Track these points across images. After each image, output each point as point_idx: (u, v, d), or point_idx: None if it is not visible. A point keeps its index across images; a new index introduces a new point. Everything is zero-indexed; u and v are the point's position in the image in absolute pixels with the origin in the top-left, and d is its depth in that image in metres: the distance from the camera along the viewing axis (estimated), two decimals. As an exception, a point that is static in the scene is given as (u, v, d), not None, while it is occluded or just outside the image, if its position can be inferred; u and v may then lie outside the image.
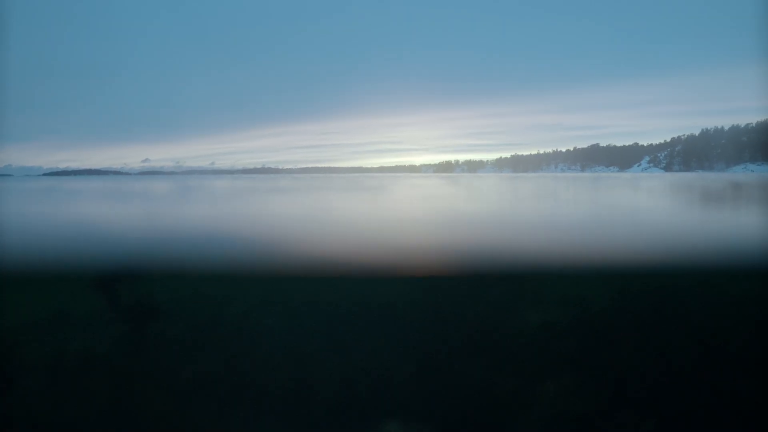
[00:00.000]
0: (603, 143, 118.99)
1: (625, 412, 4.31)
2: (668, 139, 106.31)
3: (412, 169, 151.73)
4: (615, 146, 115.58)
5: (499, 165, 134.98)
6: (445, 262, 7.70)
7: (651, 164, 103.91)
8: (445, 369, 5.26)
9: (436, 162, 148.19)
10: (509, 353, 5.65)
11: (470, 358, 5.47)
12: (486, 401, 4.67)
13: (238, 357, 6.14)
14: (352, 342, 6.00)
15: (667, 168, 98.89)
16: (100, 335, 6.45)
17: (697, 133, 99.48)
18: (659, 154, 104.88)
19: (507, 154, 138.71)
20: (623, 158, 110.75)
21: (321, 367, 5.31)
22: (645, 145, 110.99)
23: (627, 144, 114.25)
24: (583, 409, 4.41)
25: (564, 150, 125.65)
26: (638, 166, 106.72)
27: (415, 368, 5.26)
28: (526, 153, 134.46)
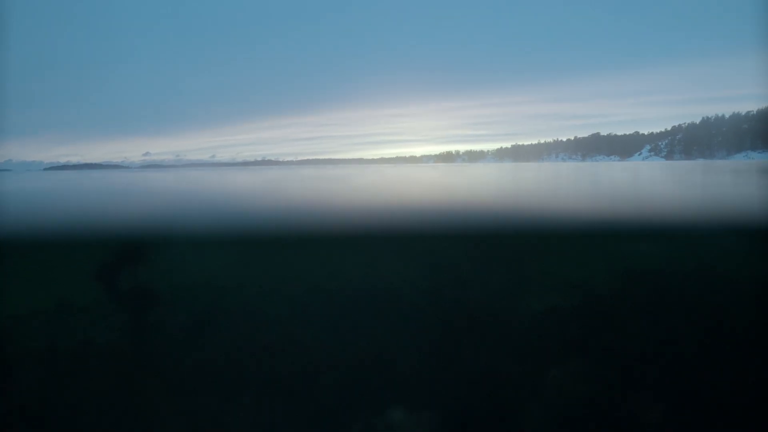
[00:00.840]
0: (603, 132, 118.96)
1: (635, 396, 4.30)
2: (669, 128, 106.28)
3: (413, 160, 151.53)
4: (616, 135, 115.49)
5: (500, 155, 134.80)
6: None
7: (652, 153, 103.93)
8: (450, 355, 5.18)
9: (437, 153, 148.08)
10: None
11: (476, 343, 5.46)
12: (493, 387, 4.64)
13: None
14: (356, 328, 5.94)
15: (668, 156, 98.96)
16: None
17: (697, 121, 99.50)
18: (660, 143, 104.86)
19: (507, 144, 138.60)
20: (624, 147, 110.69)
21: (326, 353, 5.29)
22: (646, 133, 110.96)
23: (628, 133, 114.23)
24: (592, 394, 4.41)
25: (564, 139, 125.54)
26: (639, 154, 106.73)
27: (420, 355, 5.18)
28: (526, 143, 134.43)
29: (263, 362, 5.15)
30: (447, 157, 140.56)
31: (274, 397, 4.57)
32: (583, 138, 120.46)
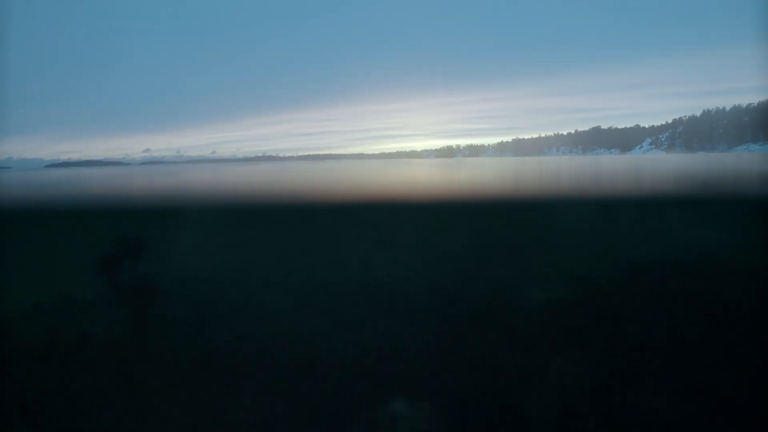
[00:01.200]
0: (604, 125, 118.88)
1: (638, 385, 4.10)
2: (670, 121, 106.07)
3: (414, 155, 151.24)
4: (616, 128, 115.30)
5: (501, 149, 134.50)
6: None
7: (653, 146, 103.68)
8: (452, 346, 5.03)
9: (438, 147, 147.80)
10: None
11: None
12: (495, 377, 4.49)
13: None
14: (358, 319, 5.88)
15: (669, 149, 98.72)
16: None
17: (698, 113, 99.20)
18: (661, 136, 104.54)
19: (508, 138, 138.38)
20: (625, 140, 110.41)
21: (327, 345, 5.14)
22: (646, 126, 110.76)
23: (628, 126, 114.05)
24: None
25: (565, 133, 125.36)
26: (640, 148, 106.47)
27: (422, 346, 5.05)
28: (527, 137, 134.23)
29: (264, 354, 5.01)
30: (448, 152, 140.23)
31: (275, 389, 4.46)
32: (584, 131, 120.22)
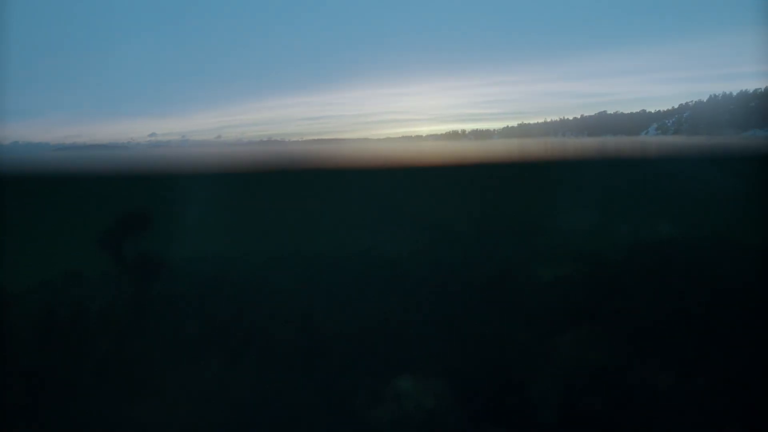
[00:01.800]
0: (610, 110, 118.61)
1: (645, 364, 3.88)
2: (676, 106, 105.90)
3: (419, 140, 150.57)
4: (622, 113, 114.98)
5: (506, 134, 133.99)
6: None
7: (659, 131, 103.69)
8: (458, 323, 4.85)
9: (443, 132, 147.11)
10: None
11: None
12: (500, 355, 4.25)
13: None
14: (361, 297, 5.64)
15: (675, 134, 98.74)
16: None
17: (705, 99, 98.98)
18: (667, 121, 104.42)
19: (514, 123, 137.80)
20: (631, 125, 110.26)
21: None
22: (653, 111, 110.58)
23: (634, 111, 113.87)
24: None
25: (571, 118, 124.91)
26: (646, 133, 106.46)
27: (428, 323, 4.91)
28: (533, 122, 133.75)
29: (271, 331, 4.85)
30: (453, 137, 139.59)
31: (280, 366, 4.23)
32: (590, 116, 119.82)
